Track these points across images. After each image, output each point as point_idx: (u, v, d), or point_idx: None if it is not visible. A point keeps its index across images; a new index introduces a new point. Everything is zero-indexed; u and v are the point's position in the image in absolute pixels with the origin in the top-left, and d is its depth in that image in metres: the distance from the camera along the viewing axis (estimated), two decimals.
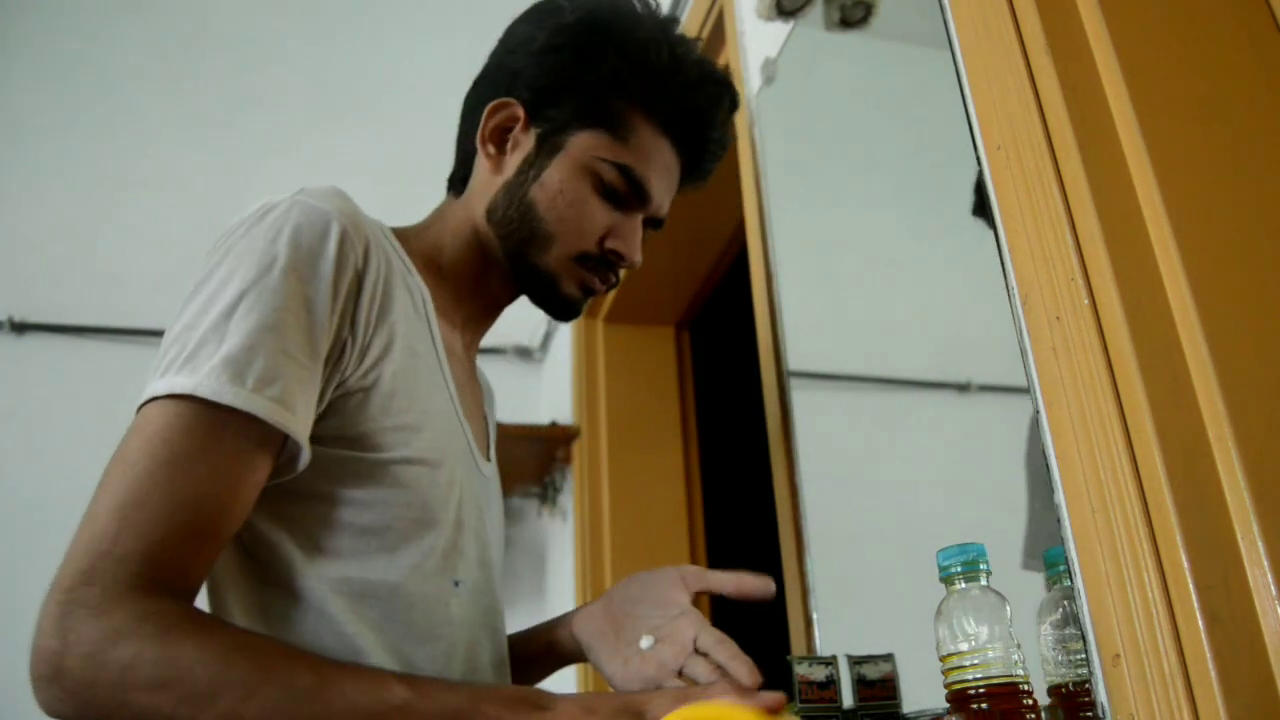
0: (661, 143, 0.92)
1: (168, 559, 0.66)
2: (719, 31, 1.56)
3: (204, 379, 0.69)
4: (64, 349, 2.44)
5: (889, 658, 0.82)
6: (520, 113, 0.91)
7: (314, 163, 2.58)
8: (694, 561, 2.14)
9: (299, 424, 0.72)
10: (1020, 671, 0.63)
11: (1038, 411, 0.65)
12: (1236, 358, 0.56)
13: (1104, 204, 0.62)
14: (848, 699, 0.81)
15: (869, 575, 1.13)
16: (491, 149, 0.92)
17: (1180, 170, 0.61)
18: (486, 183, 0.92)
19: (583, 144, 0.89)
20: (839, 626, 1.11)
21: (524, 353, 2.72)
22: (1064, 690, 0.65)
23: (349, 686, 0.65)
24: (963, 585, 0.66)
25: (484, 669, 0.87)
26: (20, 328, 2.42)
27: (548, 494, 2.46)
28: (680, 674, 0.81)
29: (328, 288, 0.74)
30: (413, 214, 0.97)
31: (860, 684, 0.81)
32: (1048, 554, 0.70)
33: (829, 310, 1.34)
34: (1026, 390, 0.67)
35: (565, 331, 2.48)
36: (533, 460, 2.36)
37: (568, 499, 2.31)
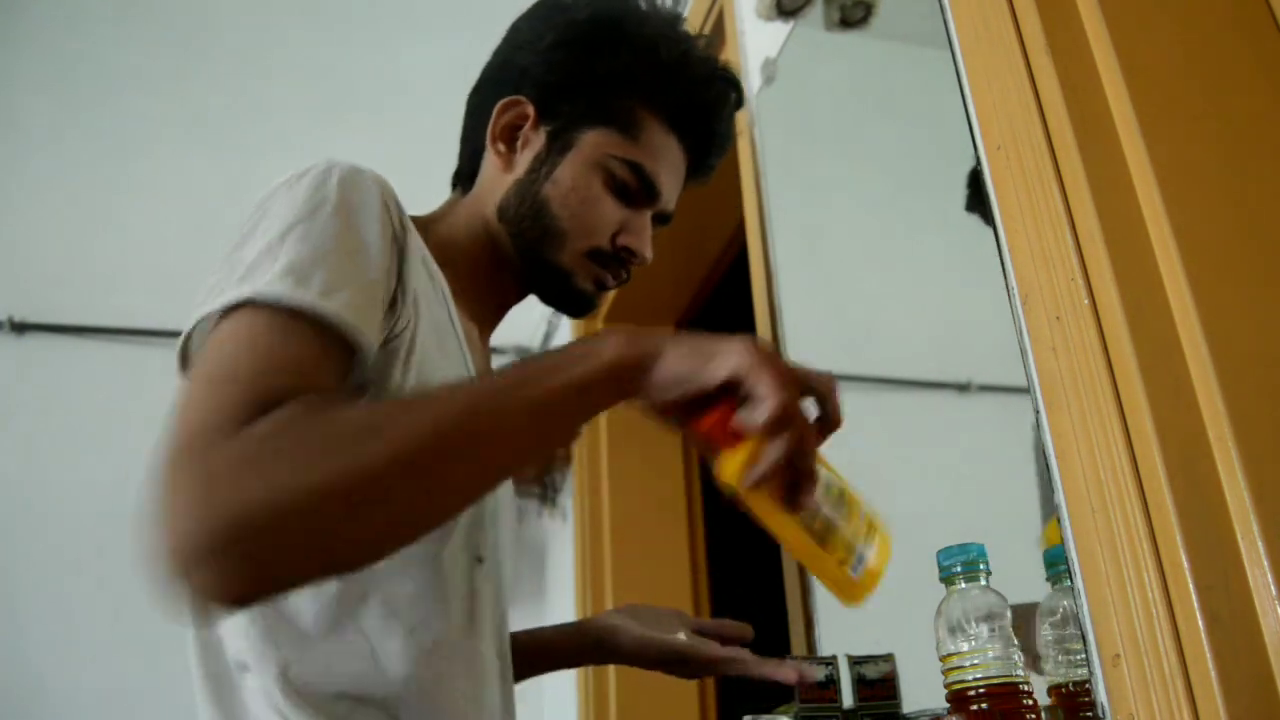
0: (669, 139, 0.92)
1: (272, 391, 0.59)
2: (719, 31, 1.56)
3: (264, 286, 0.64)
4: (64, 349, 2.44)
5: (889, 658, 0.82)
6: (530, 110, 0.91)
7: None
8: (694, 561, 2.14)
9: (367, 336, 0.67)
10: (1020, 672, 0.63)
11: (1038, 411, 0.65)
12: (1236, 358, 0.56)
13: (1104, 204, 0.62)
14: (848, 699, 0.81)
15: None
16: (502, 147, 0.92)
17: (1180, 170, 0.61)
18: (497, 180, 0.92)
19: (594, 141, 0.89)
20: (839, 626, 1.11)
21: (524, 353, 2.73)
22: (1064, 690, 0.65)
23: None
24: (963, 585, 0.66)
25: (493, 671, 0.87)
26: (20, 328, 2.42)
27: (548, 494, 2.46)
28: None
29: (378, 228, 0.73)
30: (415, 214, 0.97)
31: (860, 684, 0.81)
32: (1048, 554, 0.70)
33: (829, 310, 1.34)
34: (1026, 390, 0.67)
35: (565, 331, 2.49)
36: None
37: (568, 499, 2.31)
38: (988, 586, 0.67)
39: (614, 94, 0.90)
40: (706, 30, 1.60)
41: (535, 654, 1.00)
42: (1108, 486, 0.58)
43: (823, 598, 1.14)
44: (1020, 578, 0.81)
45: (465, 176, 0.96)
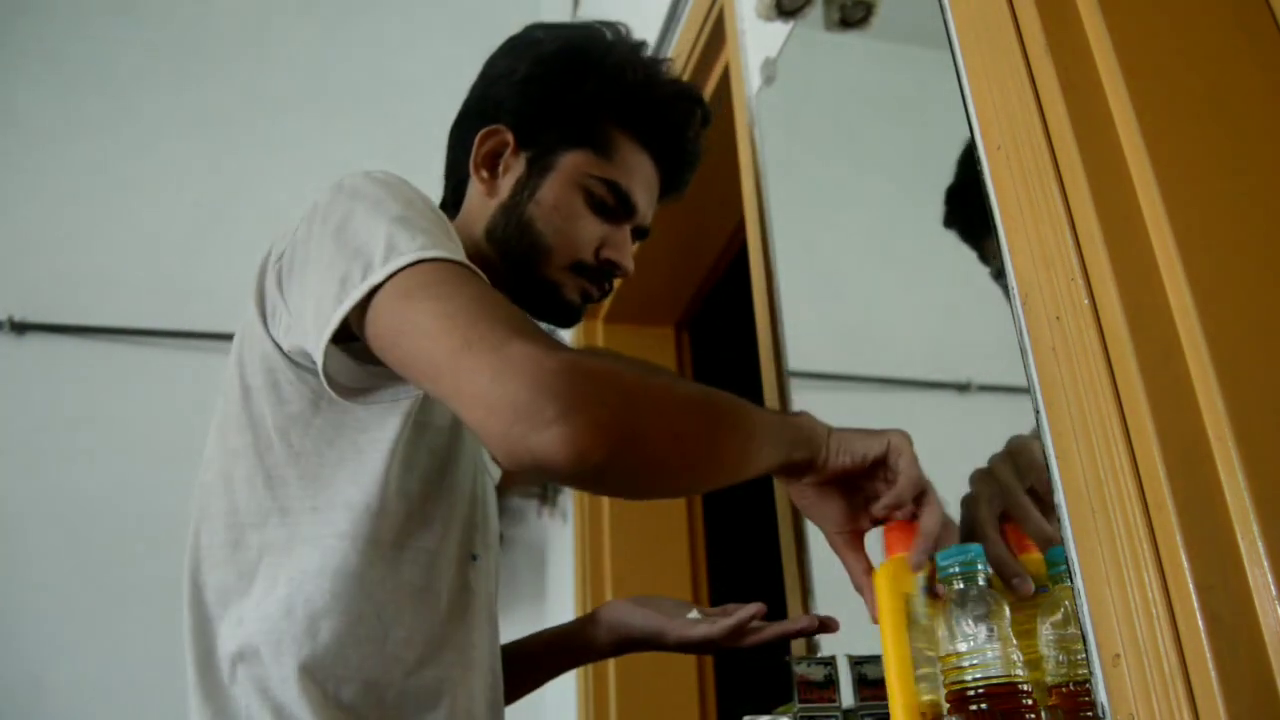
0: (642, 157, 0.98)
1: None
2: (719, 31, 1.56)
3: (420, 251, 0.70)
4: (64, 349, 2.43)
5: None
6: (510, 138, 0.97)
7: (315, 163, 2.57)
8: (694, 562, 2.14)
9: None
10: (1020, 672, 0.63)
11: (1038, 411, 0.65)
12: (1236, 358, 0.56)
13: (1104, 204, 0.62)
14: (848, 699, 0.81)
15: None
16: (485, 174, 0.97)
17: (1180, 170, 0.61)
18: (482, 206, 0.97)
19: (572, 163, 0.95)
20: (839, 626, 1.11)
21: None
22: (1064, 690, 0.65)
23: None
24: (962, 585, 0.66)
25: (484, 665, 0.89)
26: (20, 328, 2.42)
27: (548, 494, 2.46)
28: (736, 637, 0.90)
29: (439, 215, 0.80)
30: None
31: (860, 684, 0.81)
32: (1048, 554, 0.70)
33: (829, 310, 1.34)
34: (1026, 390, 0.67)
35: (565, 331, 2.49)
36: None
37: (568, 499, 2.31)
38: (987, 586, 0.67)
39: (587, 118, 0.96)
40: (706, 30, 1.60)
41: (548, 653, 1.04)
42: (1108, 486, 0.58)
43: (823, 598, 1.14)
44: None
45: (451, 205, 1.02)
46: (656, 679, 2.00)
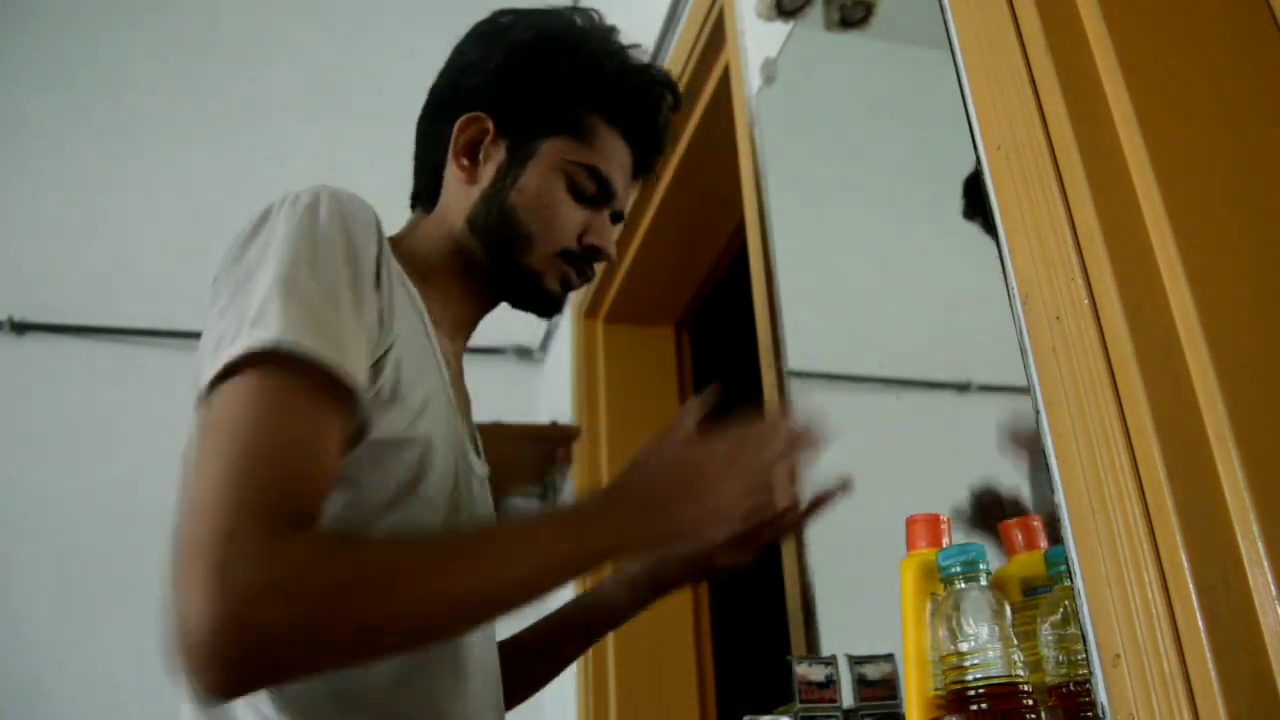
0: (619, 143, 0.98)
1: (294, 496, 0.66)
2: (719, 31, 1.56)
3: (278, 334, 0.68)
4: (64, 349, 2.43)
5: (889, 658, 0.82)
6: (490, 125, 0.96)
7: (316, 162, 2.57)
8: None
9: (364, 382, 0.73)
10: (1020, 672, 0.63)
11: (1038, 411, 0.65)
12: (1236, 358, 0.56)
13: (1104, 204, 0.62)
14: (848, 699, 0.81)
15: (869, 575, 1.13)
16: (465, 161, 0.97)
17: (1180, 170, 0.61)
18: (462, 195, 0.97)
19: (553, 150, 0.95)
20: (839, 626, 1.11)
21: (524, 353, 2.72)
22: (1064, 690, 0.65)
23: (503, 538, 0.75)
24: (962, 585, 0.66)
25: (479, 666, 0.88)
26: (20, 328, 2.42)
27: (548, 494, 2.46)
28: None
29: (370, 260, 0.78)
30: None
31: (860, 684, 0.81)
32: (1048, 554, 0.70)
33: (829, 310, 1.34)
34: (1026, 390, 0.67)
35: (565, 331, 2.49)
36: (533, 460, 2.35)
37: (568, 499, 2.31)
38: (988, 586, 0.67)
39: (566, 104, 0.96)
40: (706, 30, 1.60)
41: (590, 617, 1.04)
42: (1108, 486, 0.58)
43: (823, 598, 1.14)
44: None
45: (426, 197, 1.01)
46: (656, 679, 2.00)
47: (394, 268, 0.84)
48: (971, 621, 0.64)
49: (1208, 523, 0.54)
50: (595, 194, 0.97)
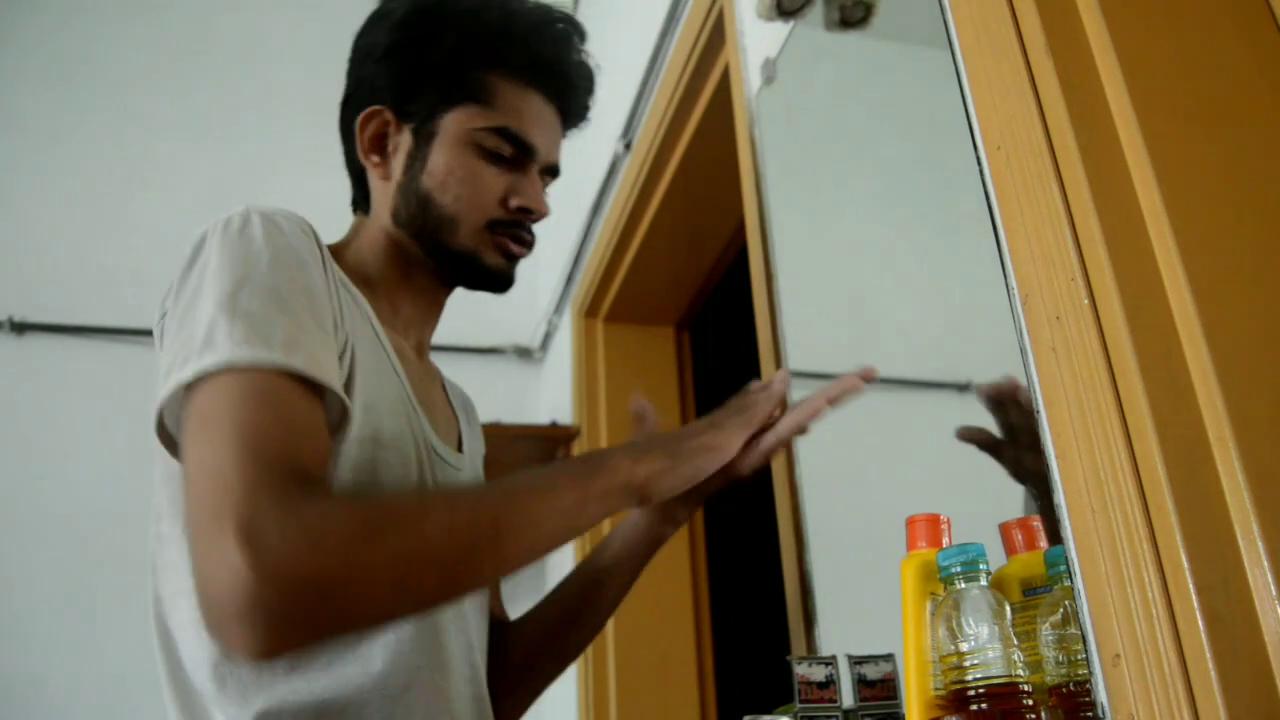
0: (528, 93, 0.95)
1: (300, 465, 0.66)
2: (719, 32, 1.56)
3: (232, 351, 0.68)
4: (64, 349, 2.44)
5: (889, 658, 0.82)
6: (389, 115, 0.94)
7: (315, 162, 2.57)
8: (693, 563, 2.14)
9: (333, 379, 0.73)
10: (1020, 672, 0.63)
11: (1038, 411, 0.65)
12: (1236, 358, 0.56)
13: (1104, 204, 0.62)
14: (848, 699, 0.81)
15: (869, 575, 1.13)
16: (375, 158, 0.95)
17: (1180, 170, 0.61)
18: (384, 191, 0.95)
19: (454, 122, 0.93)
20: (839, 626, 1.11)
21: (524, 353, 2.72)
22: (1064, 690, 0.65)
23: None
24: (962, 585, 0.66)
25: (457, 663, 0.87)
26: (20, 328, 2.42)
27: None
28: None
29: (317, 270, 0.78)
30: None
31: (860, 684, 0.81)
32: (1048, 554, 0.70)
33: (829, 310, 1.34)
34: (1026, 390, 0.67)
35: (565, 331, 2.48)
36: (533, 460, 2.36)
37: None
38: (988, 587, 0.67)
39: (456, 72, 0.93)
40: (706, 31, 1.60)
41: (616, 562, 1.01)
42: (1108, 486, 0.58)
43: (823, 598, 1.14)
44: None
45: (362, 200, 0.99)
46: (657, 679, 2.01)
47: (335, 272, 0.83)
48: (971, 621, 0.64)
49: (1208, 523, 0.54)
50: (513, 154, 0.93)
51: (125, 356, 2.44)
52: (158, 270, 2.50)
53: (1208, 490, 0.55)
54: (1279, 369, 0.57)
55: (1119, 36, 0.65)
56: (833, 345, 1.31)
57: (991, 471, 0.96)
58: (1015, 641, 0.65)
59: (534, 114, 0.95)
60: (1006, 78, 0.70)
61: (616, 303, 2.23)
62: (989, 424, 0.95)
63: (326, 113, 0.96)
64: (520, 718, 1.03)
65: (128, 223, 2.58)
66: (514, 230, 0.95)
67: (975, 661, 0.63)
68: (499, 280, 0.96)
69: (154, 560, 0.81)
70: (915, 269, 1.19)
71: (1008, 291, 0.69)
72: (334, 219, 0.99)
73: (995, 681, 0.63)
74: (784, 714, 0.82)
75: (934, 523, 0.74)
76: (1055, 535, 0.67)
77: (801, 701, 0.80)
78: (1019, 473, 0.88)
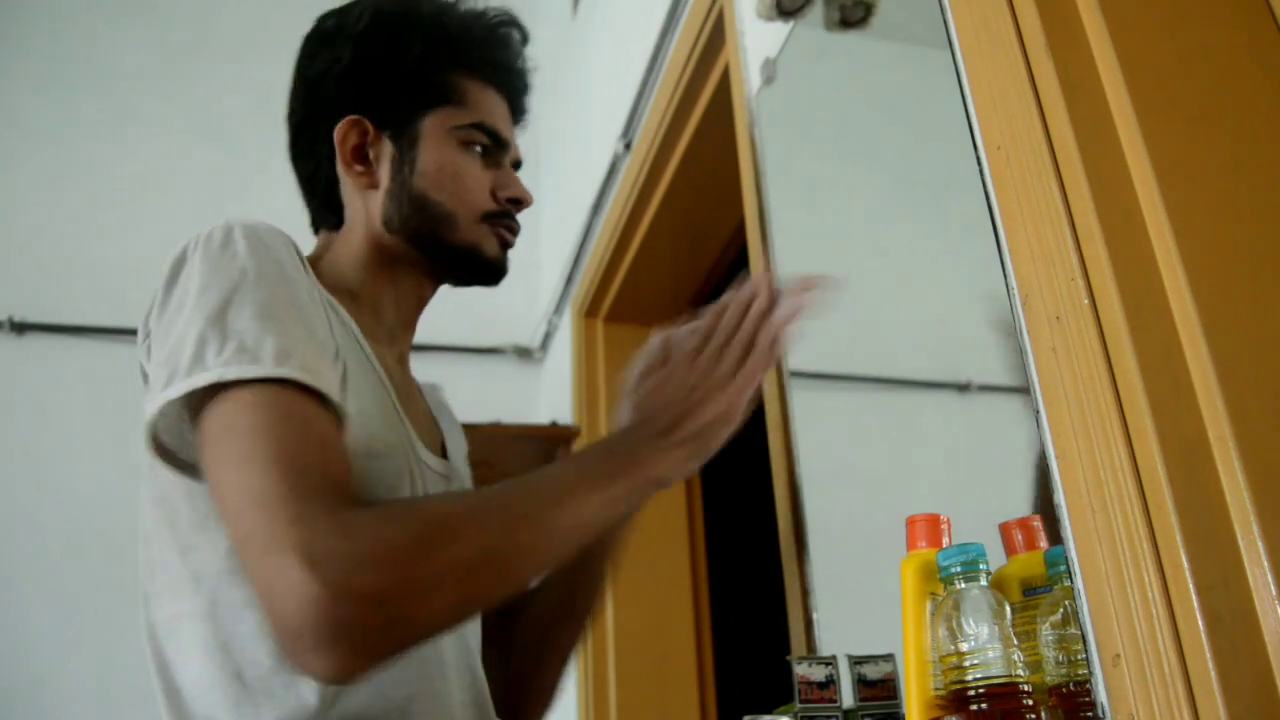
0: (489, 92, 0.99)
1: (334, 478, 0.67)
2: (719, 32, 1.56)
3: (221, 370, 0.69)
4: (64, 349, 2.44)
5: (889, 658, 0.82)
6: (368, 125, 0.95)
7: None
8: (694, 564, 2.14)
9: (334, 388, 0.73)
10: (1020, 672, 0.63)
11: (1038, 411, 0.65)
12: (1236, 358, 0.56)
13: (1104, 204, 0.62)
14: (848, 699, 0.81)
15: (869, 575, 1.13)
16: (359, 168, 0.96)
17: (1180, 170, 0.61)
18: (368, 201, 0.96)
19: (435, 123, 0.95)
20: (839, 626, 1.11)
21: (524, 353, 2.72)
22: (1064, 690, 0.65)
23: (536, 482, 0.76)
24: (962, 585, 0.66)
25: (477, 681, 0.88)
26: (20, 328, 2.42)
27: None
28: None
29: (304, 282, 0.79)
30: None
31: (860, 684, 0.81)
32: (1048, 554, 0.70)
33: (829, 310, 1.34)
34: (1026, 390, 0.67)
35: (565, 331, 2.48)
36: (533, 460, 2.36)
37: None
38: (988, 587, 0.67)
39: (429, 76, 0.96)
40: (706, 30, 1.60)
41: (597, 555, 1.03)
42: (1108, 486, 0.58)
43: (823, 598, 1.14)
44: None
45: (329, 217, 0.99)
46: (657, 679, 2.01)
47: (318, 286, 0.84)
48: (971, 621, 0.64)
49: (1208, 523, 0.54)
50: (490, 147, 0.97)
51: (125, 356, 2.43)
52: (157, 271, 2.51)
53: (1208, 490, 0.55)
54: (1279, 369, 0.57)
55: (1119, 36, 0.65)
56: (833, 345, 1.31)
57: (992, 472, 0.96)
58: (1015, 641, 0.65)
59: (498, 110, 0.99)
60: (1006, 78, 0.70)
61: (616, 303, 2.23)
62: (990, 425, 0.95)
63: None
64: (546, 709, 1.05)
65: (128, 223, 2.58)
66: (506, 221, 0.97)
67: (975, 661, 0.63)
68: (498, 270, 0.98)
69: (145, 588, 0.80)
70: (915, 269, 1.19)
71: (1008, 291, 0.69)
72: None
73: (995, 681, 0.63)
74: (784, 714, 0.82)
75: (934, 523, 0.74)
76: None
77: (801, 701, 0.80)
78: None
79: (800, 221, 1.33)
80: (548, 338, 2.66)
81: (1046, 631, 0.66)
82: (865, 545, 1.14)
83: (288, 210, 1.02)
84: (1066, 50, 0.67)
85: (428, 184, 0.94)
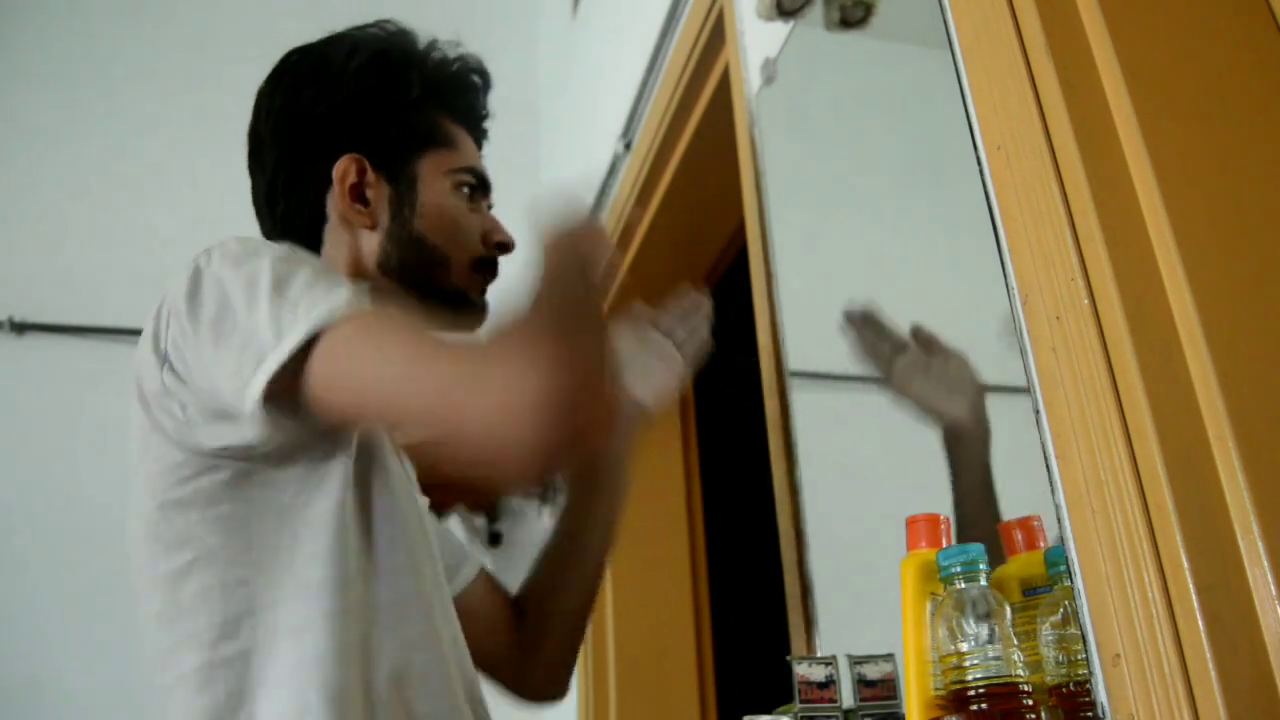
0: (466, 135, 1.00)
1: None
2: (719, 32, 1.56)
3: (309, 321, 0.70)
4: (64, 349, 2.43)
5: (889, 658, 0.82)
6: (365, 164, 0.94)
7: None
8: (694, 565, 2.14)
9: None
10: (1020, 672, 0.63)
11: (1038, 411, 0.65)
12: (1236, 358, 0.56)
13: (1104, 204, 0.62)
14: (848, 699, 0.81)
15: (869, 575, 1.13)
16: (359, 206, 0.94)
17: (1180, 170, 0.61)
18: (360, 242, 0.94)
19: (431, 165, 0.96)
20: (839, 626, 1.11)
21: None
22: (1064, 690, 0.65)
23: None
24: (962, 585, 0.66)
25: (474, 689, 0.89)
26: (20, 328, 2.42)
27: (548, 494, 2.46)
28: None
29: (318, 262, 0.79)
30: None
31: (860, 684, 0.81)
32: (1048, 554, 0.70)
33: (829, 310, 1.34)
34: (1026, 390, 0.67)
35: None
36: None
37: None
38: (987, 586, 0.67)
39: (419, 118, 0.96)
40: (706, 31, 1.60)
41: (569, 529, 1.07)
42: (1108, 486, 0.58)
43: (823, 598, 1.14)
44: None
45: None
46: (657, 679, 2.00)
47: None
48: (971, 621, 0.64)
49: (1208, 523, 0.54)
50: (477, 190, 0.98)
51: (125, 356, 2.43)
52: (158, 270, 2.50)
53: (1208, 490, 0.55)
54: (1279, 369, 0.57)
55: (1119, 36, 0.65)
56: (833, 345, 1.31)
57: (991, 471, 0.96)
58: (1015, 641, 0.65)
59: (476, 153, 1.01)
60: (1006, 78, 0.70)
61: (616, 302, 2.23)
62: (999, 427, 0.95)
63: None
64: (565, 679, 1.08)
65: (128, 223, 2.58)
66: (493, 267, 0.98)
67: (975, 661, 0.63)
68: (481, 318, 0.98)
69: (155, 641, 0.79)
70: (915, 268, 1.19)
71: (1008, 291, 0.69)
72: None
73: (995, 681, 0.63)
74: (784, 714, 0.82)
75: (934, 523, 0.74)
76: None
77: (801, 701, 0.80)
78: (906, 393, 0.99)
79: (800, 222, 1.33)
80: None
81: (1046, 631, 0.66)
82: (865, 545, 1.14)
83: None
84: (1066, 50, 0.67)
85: (427, 227, 0.94)
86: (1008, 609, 0.66)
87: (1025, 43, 0.69)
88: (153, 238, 2.54)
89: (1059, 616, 0.66)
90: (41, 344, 2.43)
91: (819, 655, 0.85)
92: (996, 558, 0.72)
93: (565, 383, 0.64)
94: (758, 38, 1.40)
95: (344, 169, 0.93)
